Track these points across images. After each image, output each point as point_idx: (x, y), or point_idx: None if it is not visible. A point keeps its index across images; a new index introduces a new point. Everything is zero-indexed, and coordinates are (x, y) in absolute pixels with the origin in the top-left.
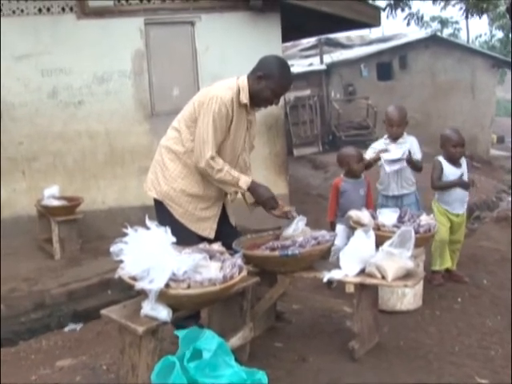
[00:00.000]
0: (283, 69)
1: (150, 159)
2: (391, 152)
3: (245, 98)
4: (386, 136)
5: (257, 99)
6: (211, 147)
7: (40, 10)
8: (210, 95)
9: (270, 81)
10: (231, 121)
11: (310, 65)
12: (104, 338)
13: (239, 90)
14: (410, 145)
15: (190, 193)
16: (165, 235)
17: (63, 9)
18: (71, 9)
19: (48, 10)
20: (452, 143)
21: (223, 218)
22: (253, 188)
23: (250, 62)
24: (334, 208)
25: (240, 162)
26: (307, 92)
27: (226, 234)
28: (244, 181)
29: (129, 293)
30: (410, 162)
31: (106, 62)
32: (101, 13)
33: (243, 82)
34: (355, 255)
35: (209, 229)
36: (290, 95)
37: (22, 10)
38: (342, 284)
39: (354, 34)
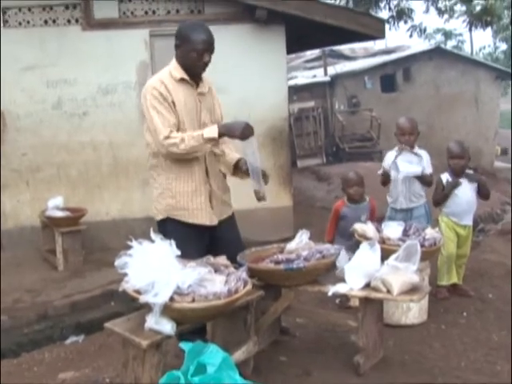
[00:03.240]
0: (193, 27)
1: None
2: (411, 166)
3: (178, 73)
4: (397, 147)
5: (188, 68)
6: (161, 130)
7: (46, 22)
8: (143, 91)
9: (186, 44)
10: (173, 101)
11: (314, 76)
12: (107, 351)
13: (170, 71)
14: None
15: (187, 190)
16: (169, 248)
17: (69, 20)
18: (77, 20)
19: (54, 21)
20: (450, 155)
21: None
22: (223, 130)
23: (255, 74)
24: (333, 232)
25: None
26: (311, 104)
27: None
28: (209, 130)
29: (132, 304)
30: (421, 176)
31: (111, 73)
32: (106, 24)
33: (172, 61)
34: (360, 269)
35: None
36: (294, 107)
37: (29, 22)
38: (346, 298)
39: (358, 45)
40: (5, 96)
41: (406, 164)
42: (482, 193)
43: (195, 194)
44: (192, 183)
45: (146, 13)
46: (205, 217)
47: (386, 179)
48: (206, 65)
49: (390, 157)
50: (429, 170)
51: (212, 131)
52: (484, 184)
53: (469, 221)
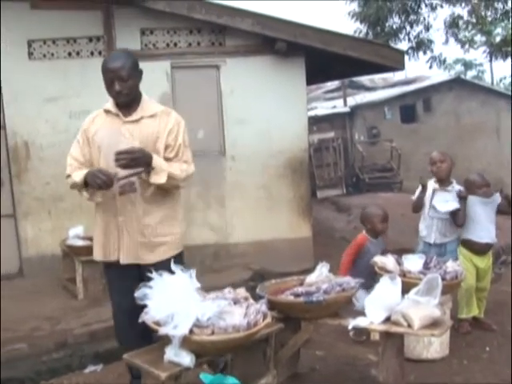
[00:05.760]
0: (108, 57)
1: None
2: (447, 204)
3: (108, 105)
4: (435, 179)
5: (112, 98)
6: (67, 164)
7: (70, 54)
8: None
9: (102, 75)
10: (93, 135)
11: (334, 107)
12: (125, 381)
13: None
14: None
15: (100, 225)
16: (189, 280)
17: (92, 53)
18: (100, 53)
19: (77, 53)
20: (477, 185)
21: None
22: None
23: (275, 105)
24: (349, 265)
25: None
26: (331, 134)
27: None
28: (77, 174)
29: None
30: (455, 215)
31: None
32: None
33: None
34: (381, 302)
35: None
36: (314, 137)
37: (53, 54)
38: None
39: (377, 76)
40: (29, 126)
41: (443, 204)
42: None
43: (105, 229)
44: (102, 220)
45: (168, 45)
46: (106, 253)
47: (418, 209)
48: (119, 93)
49: (429, 186)
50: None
51: (78, 176)
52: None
53: (489, 238)
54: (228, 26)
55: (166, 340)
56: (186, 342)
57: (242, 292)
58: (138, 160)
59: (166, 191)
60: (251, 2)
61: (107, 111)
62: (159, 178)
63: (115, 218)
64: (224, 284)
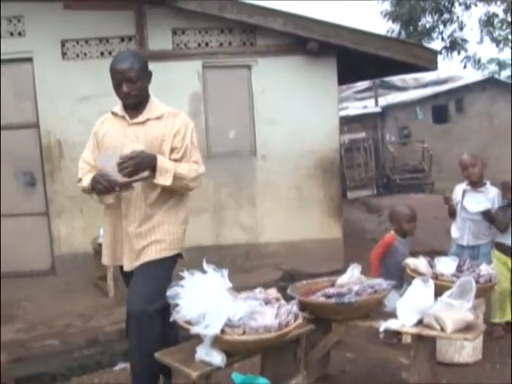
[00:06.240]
0: (115, 57)
1: (205, 200)
2: (479, 205)
3: (116, 107)
4: (467, 182)
5: (120, 100)
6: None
7: (102, 54)
8: None
9: (110, 76)
10: (102, 137)
11: (365, 107)
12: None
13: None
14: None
15: (107, 230)
16: (221, 279)
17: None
18: None
19: (110, 53)
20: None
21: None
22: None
23: (306, 105)
24: (379, 265)
25: None
26: (362, 135)
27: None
28: (86, 179)
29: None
30: (488, 215)
31: (164, 103)
32: (160, 56)
33: None
34: (413, 305)
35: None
36: (345, 137)
37: (86, 54)
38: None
39: (409, 76)
40: (62, 126)
41: (474, 204)
42: None
43: (113, 233)
44: (110, 224)
45: (199, 45)
46: (115, 257)
47: (452, 213)
48: (127, 95)
49: (458, 191)
50: (496, 206)
51: (86, 181)
52: None
53: None
54: (259, 25)
55: (197, 339)
56: (218, 342)
57: (273, 292)
58: (141, 164)
59: (172, 193)
60: (282, 2)
61: (115, 114)
62: (165, 179)
63: (121, 221)
64: (254, 284)
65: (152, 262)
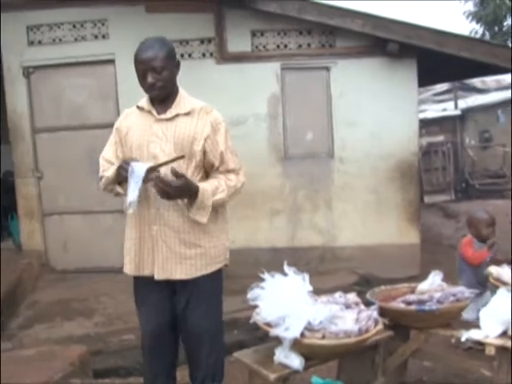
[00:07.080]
0: (140, 45)
1: (281, 201)
2: None
3: (141, 101)
4: None
5: (145, 92)
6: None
7: (182, 56)
8: None
9: (134, 66)
10: (126, 133)
11: (444, 110)
12: (228, 378)
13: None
14: None
15: (131, 237)
16: (302, 283)
17: (204, 54)
18: (211, 54)
19: (189, 55)
20: None
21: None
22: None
23: (386, 107)
24: (472, 253)
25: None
26: (440, 138)
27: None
28: (111, 169)
29: (255, 334)
30: None
31: (243, 105)
32: (239, 58)
33: None
34: (497, 315)
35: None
36: (423, 141)
37: None
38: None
39: (489, 77)
40: None
41: None
42: None
43: (139, 240)
44: (135, 230)
45: (278, 46)
46: (140, 267)
47: None
48: (152, 86)
49: None
50: None
51: (111, 171)
52: None
53: None
54: (338, 26)
55: (276, 341)
56: (297, 345)
57: (352, 297)
58: (178, 196)
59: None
60: (362, 2)
61: (141, 108)
62: (200, 216)
63: (149, 227)
64: (329, 287)
65: (207, 277)
